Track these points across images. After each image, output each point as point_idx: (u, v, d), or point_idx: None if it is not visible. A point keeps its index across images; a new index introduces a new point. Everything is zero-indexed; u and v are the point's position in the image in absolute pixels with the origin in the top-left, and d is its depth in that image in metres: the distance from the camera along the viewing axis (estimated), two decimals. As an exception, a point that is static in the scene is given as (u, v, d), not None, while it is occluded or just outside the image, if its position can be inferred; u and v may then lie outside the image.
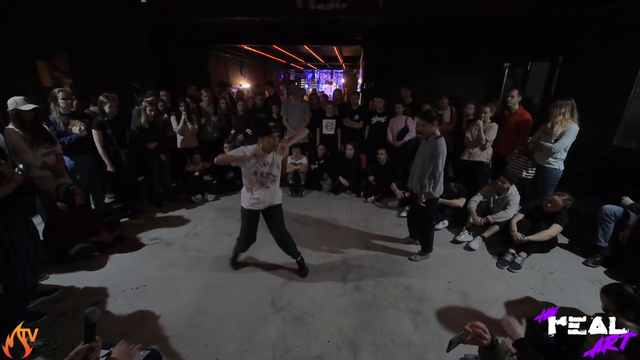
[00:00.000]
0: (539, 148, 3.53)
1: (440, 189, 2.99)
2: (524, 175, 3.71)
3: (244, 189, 2.75)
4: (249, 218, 2.80)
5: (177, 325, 2.33)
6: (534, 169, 3.69)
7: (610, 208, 3.14)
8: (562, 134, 3.35)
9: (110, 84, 4.44)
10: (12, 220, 2.14)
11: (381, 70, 6.74)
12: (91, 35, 5.10)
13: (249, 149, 2.50)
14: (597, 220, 3.20)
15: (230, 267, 3.07)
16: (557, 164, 3.51)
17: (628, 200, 3.07)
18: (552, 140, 3.41)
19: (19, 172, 2.29)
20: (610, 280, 2.88)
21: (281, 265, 3.11)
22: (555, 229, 3.12)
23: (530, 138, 3.75)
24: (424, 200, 2.96)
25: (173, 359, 2.06)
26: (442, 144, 2.79)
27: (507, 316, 1.77)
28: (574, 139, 3.37)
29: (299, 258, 2.98)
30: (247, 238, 2.91)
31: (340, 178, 5.07)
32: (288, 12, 5.64)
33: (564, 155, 3.48)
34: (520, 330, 1.75)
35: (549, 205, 3.16)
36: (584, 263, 3.22)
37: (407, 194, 4.26)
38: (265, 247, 3.40)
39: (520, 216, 3.38)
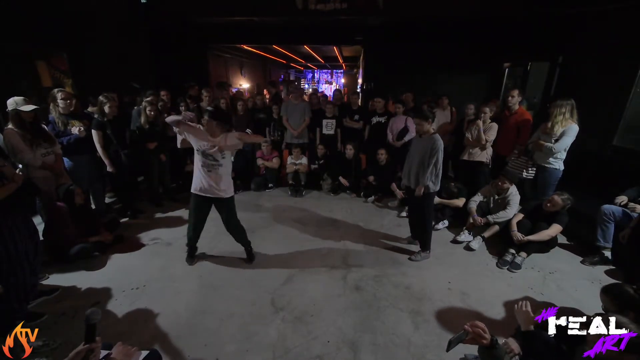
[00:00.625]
0: (539, 148, 3.54)
1: (438, 183, 3.02)
2: (524, 175, 3.72)
3: (194, 173, 2.86)
4: (193, 203, 2.90)
5: (177, 325, 2.33)
6: (534, 169, 3.69)
7: (609, 208, 3.14)
8: (562, 134, 3.36)
9: (110, 84, 4.44)
10: (13, 219, 2.14)
11: (381, 70, 6.73)
12: (91, 35, 5.10)
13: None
14: (596, 220, 3.20)
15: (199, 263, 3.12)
16: (557, 163, 3.51)
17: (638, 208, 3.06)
18: (553, 140, 3.42)
19: (20, 173, 2.29)
20: (610, 280, 2.88)
21: (281, 264, 3.11)
22: (555, 229, 3.12)
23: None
24: (421, 193, 3.01)
25: (173, 359, 2.06)
26: (439, 139, 2.90)
27: (524, 303, 1.71)
28: (574, 138, 3.37)
29: (248, 247, 3.17)
30: (192, 227, 2.97)
31: (341, 178, 5.07)
32: (288, 12, 5.64)
33: (564, 155, 3.49)
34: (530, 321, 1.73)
35: (548, 205, 3.16)
36: (581, 262, 3.23)
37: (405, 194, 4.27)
38: (265, 247, 3.40)
39: (520, 216, 3.38)
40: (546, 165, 3.56)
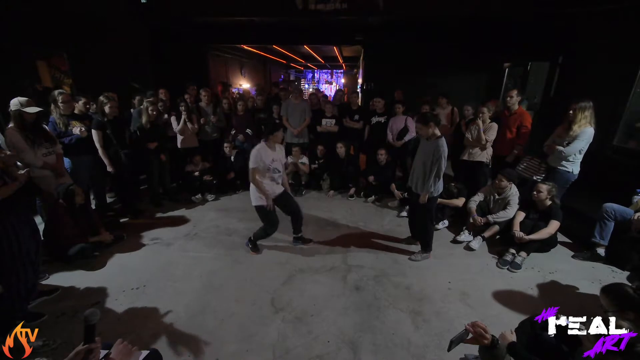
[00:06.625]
0: (552, 151, 3.47)
1: (439, 187, 3.00)
2: (534, 178, 3.64)
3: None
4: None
5: (177, 325, 2.33)
6: (546, 169, 3.61)
7: (610, 206, 3.13)
8: (575, 137, 3.24)
9: (110, 84, 4.44)
10: (16, 218, 2.14)
11: (381, 70, 6.74)
12: (91, 35, 5.09)
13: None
14: (595, 219, 3.20)
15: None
16: (571, 167, 3.39)
17: None
18: (565, 144, 3.32)
19: (21, 172, 2.29)
20: (610, 280, 2.87)
21: (281, 264, 3.11)
22: (554, 226, 3.13)
23: (546, 141, 3.62)
24: (425, 200, 2.98)
25: (173, 359, 2.06)
26: (443, 144, 2.81)
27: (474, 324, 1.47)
28: (590, 141, 3.25)
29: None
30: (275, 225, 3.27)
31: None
32: (288, 12, 5.64)
33: (579, 157, 3.36)
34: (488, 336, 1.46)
35: (535, 194, 3.20)
36: (573, 257, 3.26)
37: (406, 195, 4.26)
38: (265, 247, 3.40)
39: (523, 215, 3.37)
40: (558, 167, 3.45)
